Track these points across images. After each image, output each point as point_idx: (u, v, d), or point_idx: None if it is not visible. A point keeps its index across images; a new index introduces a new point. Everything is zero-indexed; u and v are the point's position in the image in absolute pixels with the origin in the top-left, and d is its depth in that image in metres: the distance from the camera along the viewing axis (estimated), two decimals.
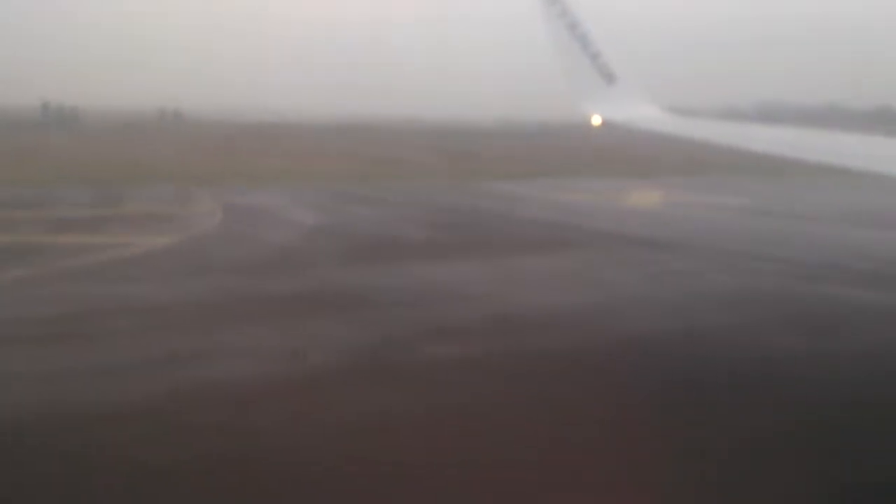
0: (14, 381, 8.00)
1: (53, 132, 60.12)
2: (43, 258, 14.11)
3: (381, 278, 13.40)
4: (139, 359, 8.69)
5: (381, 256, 15.50)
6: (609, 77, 10.93)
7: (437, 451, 6.50)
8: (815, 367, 8.97)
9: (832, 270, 14.72)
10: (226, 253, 15.59)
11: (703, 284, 13.54)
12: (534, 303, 11.84)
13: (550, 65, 11.32)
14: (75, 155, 40.48)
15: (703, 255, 16.34)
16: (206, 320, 10.44)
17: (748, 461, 6.33)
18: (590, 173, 38.49)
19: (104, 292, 11.80)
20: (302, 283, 12.92)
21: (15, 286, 12.16)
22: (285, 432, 6.83)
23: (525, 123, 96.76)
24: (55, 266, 13.47)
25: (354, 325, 10.28)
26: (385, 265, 14.59)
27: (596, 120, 10.89)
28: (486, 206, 24.26)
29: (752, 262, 15.55)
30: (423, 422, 7.16)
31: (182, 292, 12.04)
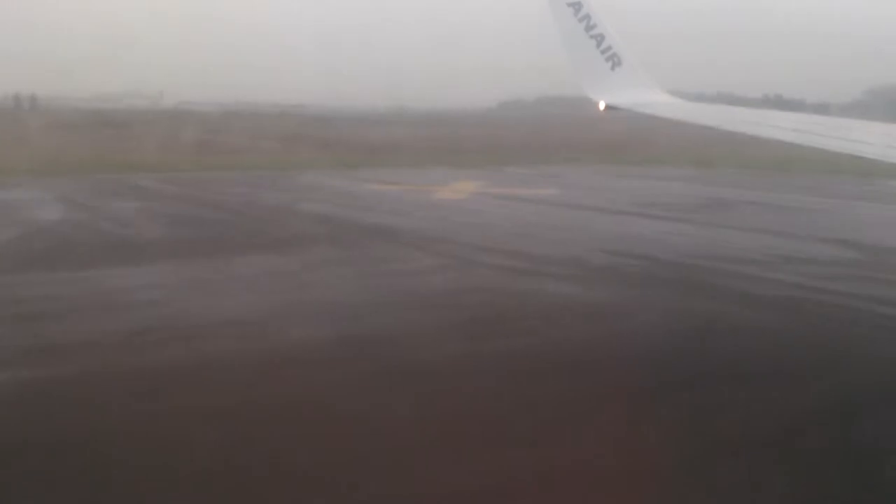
0: None
1: None
2: None
3: (47, 286, 12.06)
4: None
5: (80, 259, 14.07)
6: (614, 61, 10.65)
7: None
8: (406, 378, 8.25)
9: (564, 265, 14.30)
10: None
11: (414, 284, 12.81)
12: (197, 311, 10.80)
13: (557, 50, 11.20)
14: None
15: (449, 250, 15.67)
16: None
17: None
18: (451, 163, 37.71)
19: None
20: None
21: None
22: None
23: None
24: None
25: None
26: (71, 270, 13.20)
27: (601, 104, 10.61)
28: (271, 199, 23.15)
29: (493, 257, 15.00)
30: None
31: None
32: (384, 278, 13.12)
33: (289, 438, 6.72)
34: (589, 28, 10.61)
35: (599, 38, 10.65)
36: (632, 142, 41.19)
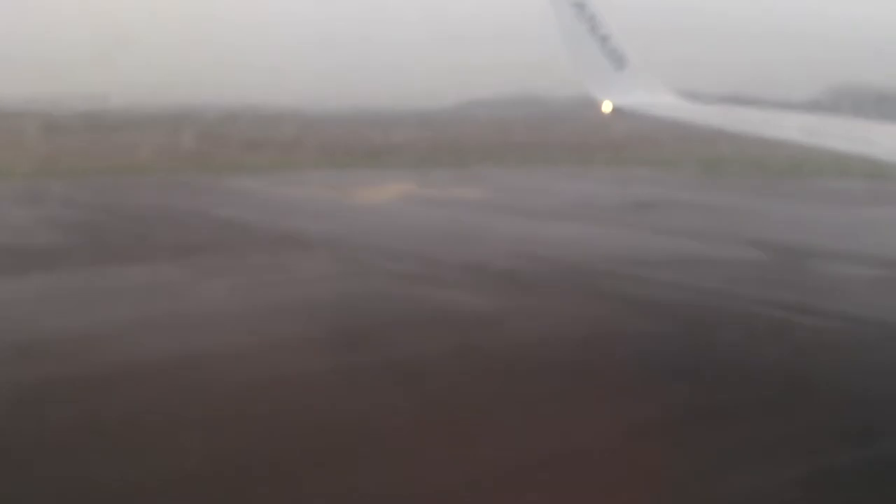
0: None
1: None
2: None
3: None
4: None
5: None
6: (619, 61, 10.51)
7: None
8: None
9: (463, 270, 14.13)
10: None
11: (298, 294, 12.43)
12: (31, 329, 10.19)
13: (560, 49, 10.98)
14: None
15: (353, 256, 15.43)
16: None
17: None
18: (398, 164, 37.12)
19: None
20: None
21: None
22: None
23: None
24: None
25: None
26: None
27: (606, 106, 10.46)
28: (188, 205, 22.60)
29: (395, 262, 14.76)
30: None
31: None
32: (270, 288, 12.77)
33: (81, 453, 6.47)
34: (594, 29, 10.49)
35: (604, 39, 10.53)
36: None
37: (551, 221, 20.26)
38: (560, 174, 34.67)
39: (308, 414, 7.49)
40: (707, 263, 14.83)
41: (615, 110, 10.62)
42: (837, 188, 26.47)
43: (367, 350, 9.42)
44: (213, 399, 7.79)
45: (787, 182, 29.66)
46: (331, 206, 22.98)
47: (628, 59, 10.65)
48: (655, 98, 10.78)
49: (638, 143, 40.57)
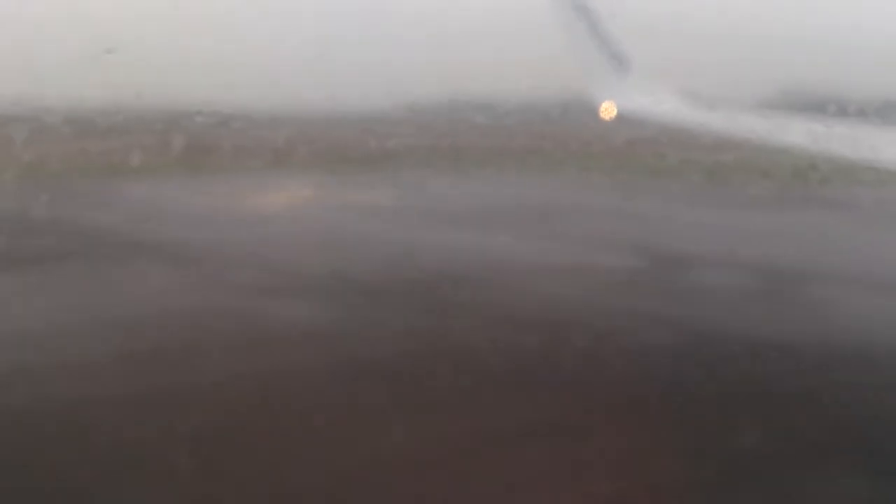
0: None
1: None
2: None
3: None
4: None
5: None
6: (622, 63, 10.58)
7: None
8: None
9: (321, 280, 13.50)
10: None
11: (117, 311, 11.47)
12: None
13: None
14: None
15: (208, 267, 14.43)
16: None
17: None
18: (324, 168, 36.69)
19: None
20: None
21: None
22: None
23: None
24: None
25: None
26: None
27: (608, 109, 10.40)
28: (57, 212, 21.49)
29: (253, 272, 13.91)
30: None
31: None
32: (87, 304, 11.98)
33: None
34: (595, 30, 10.45)
35: (606, 40, 10.49)
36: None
37: (445, 228, 19.83)
38: (497, 180, 34.40)
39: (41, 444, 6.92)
40: (579, 272, 14.46)
41: (617, 114, 10.51)
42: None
43: (151, 373, 8.83)
44: None
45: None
46: (220, 212, 22.14)
47: (631, 62, 10.63)
48: (659, 101, 10.70)
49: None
